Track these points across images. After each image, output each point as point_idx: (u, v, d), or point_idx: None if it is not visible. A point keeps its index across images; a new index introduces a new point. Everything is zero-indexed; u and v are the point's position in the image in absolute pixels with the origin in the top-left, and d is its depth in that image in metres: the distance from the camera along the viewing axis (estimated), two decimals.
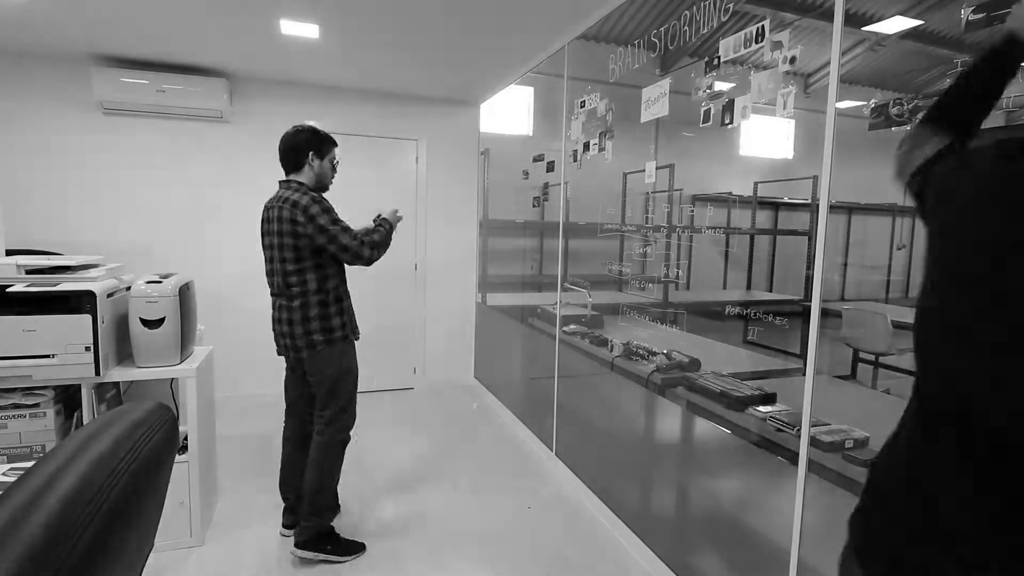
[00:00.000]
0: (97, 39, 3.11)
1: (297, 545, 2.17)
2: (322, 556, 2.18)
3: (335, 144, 2.26)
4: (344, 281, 2.25)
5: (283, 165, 2.18)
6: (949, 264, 0.68)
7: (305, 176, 2.16)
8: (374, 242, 2.17)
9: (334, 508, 2.39)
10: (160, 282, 2.13)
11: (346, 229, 2.10)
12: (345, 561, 2.20)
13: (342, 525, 2.39)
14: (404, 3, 2.52)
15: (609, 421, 2.63)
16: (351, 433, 2.27)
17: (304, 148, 2.15)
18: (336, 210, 2.11)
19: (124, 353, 2.19)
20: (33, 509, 0.46)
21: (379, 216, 2.32)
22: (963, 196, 0.69)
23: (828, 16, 1.47)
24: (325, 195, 2.18)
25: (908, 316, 1.79)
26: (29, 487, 0.48)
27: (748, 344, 1.78)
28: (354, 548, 2.26)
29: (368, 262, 2.16)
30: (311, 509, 2.18)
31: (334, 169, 2.26)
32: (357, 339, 2.26)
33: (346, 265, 2.21)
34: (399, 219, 2.35)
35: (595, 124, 2.64)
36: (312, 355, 2.14)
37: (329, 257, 2.14)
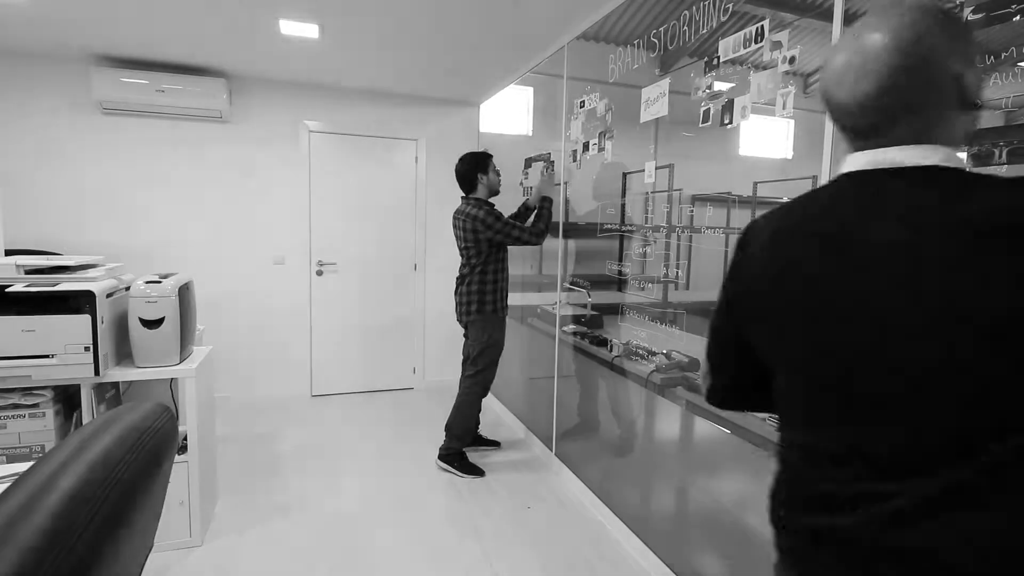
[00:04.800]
0: (96, 39, 3.11)
1: (439, 458, 3.01)
2: (451, 470, 2.95)
3: (491, 156, 2.93)
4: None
5: (462, 188, 2.91)
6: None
7: (480, 192, 2.89)
8: (539, 230, 2.85)
9: (464, 438, 3.05)
10: (159, 282, 2.13)
11: (510, 224, 2.81)
12: (464, 477, 2.91)
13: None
14: (404, 3, 2.52)
15: (609, 421, 2.63)
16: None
17: (471, 172, 2.85)
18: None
19: (123, 353, 2.19)
20: (32, 510, 0.46)
21: (527, 202, 3.08)
22: None
23: (827, 16, 1.47)
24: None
25: None
26: (28, 488, 0.48)
27: None
28: (474, 471, 2.96)
29: (538, 243, 2.87)
30: (448, 434, 3.00)
31: (498, 174, 2.95)
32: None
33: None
34: (551, 189, 2.94)
35: (595, 124, 2.64)
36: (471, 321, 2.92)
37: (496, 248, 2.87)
